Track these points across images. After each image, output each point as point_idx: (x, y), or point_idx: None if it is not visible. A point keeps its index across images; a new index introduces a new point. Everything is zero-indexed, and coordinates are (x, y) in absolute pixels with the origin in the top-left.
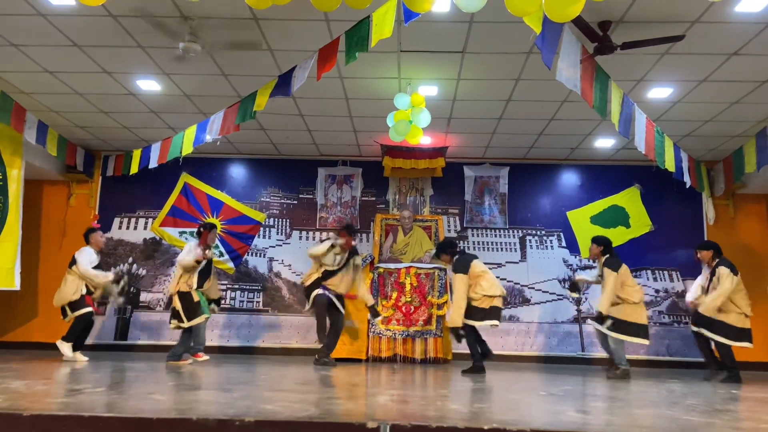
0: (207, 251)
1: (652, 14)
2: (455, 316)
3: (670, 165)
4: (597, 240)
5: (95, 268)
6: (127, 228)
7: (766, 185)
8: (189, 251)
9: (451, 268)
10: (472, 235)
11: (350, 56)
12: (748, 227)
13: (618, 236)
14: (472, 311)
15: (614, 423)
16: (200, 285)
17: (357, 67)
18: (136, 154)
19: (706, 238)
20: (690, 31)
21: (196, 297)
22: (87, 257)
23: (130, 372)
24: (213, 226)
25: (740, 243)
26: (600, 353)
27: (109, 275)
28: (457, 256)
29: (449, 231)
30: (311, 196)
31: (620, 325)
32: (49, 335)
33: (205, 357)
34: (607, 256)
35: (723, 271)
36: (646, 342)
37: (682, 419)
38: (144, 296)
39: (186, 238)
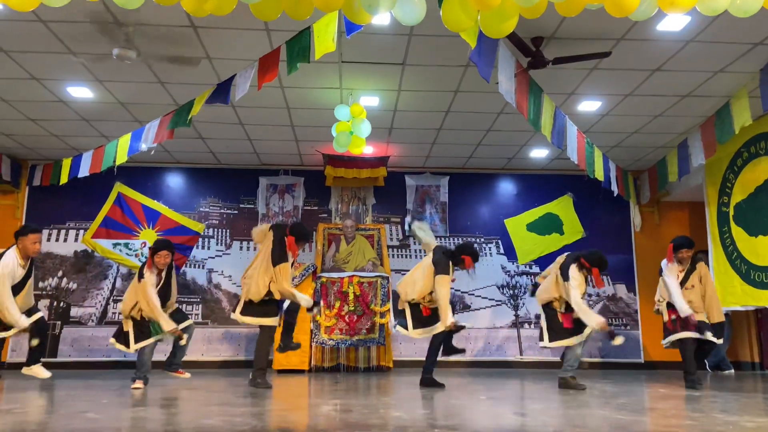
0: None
1: (581, 31)
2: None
3: (599, 174)
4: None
5: (17, 286)
6: (57, 240)
7: (688, 193)
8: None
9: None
10: (414, 244)
11: (292, 67)
12: (672, 233)
13: (552, 243)
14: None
15: (550, 424)
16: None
17: (298, 77)
18: (66, 163)
19: (633, 244)
20: (616, 47)
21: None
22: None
23: (60, 390)
24: (159, 248)
25: (665, 248)
26: (538, 356)
27: (24, 322)
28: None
29: (391, 240)
30: (252, 206)
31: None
32: None
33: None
34: None
35: (706, 270)
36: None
37: (612, 418)
38: (75, 311)
39: (120, 250)
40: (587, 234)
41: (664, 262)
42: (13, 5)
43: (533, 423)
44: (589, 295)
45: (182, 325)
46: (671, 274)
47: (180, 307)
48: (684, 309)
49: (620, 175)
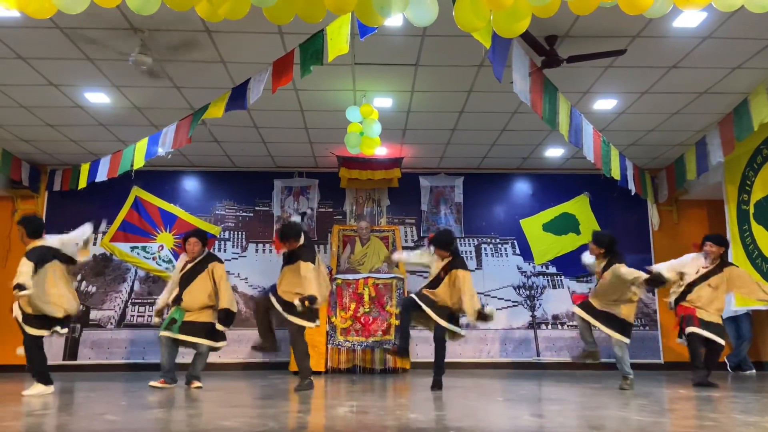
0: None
1: (595, 29)
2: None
3: (615, 173)
4: (598, 240)
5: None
6: None
7: (706, 191)
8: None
9: (449, 262)
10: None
11: (305, 69)
12: (691, 232)
13: (569, 242)
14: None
15: (567, 425)
16: (178, 299)
17: (312, 80)
18: (84, 168)
19: (652, 244)
20: (632, 45)
21: (174, 315)
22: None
23: (80, 393)
24: (187, 235)
25: (684, 247)
26: (554, 357)
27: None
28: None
29: (406, 241)
30: (267, 209)
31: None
32: None
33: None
34: (610, 257)
35: (741, 272)
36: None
37: (632, 419)
38: (94, 314)
39: (137, 254)
40: None
41: (689, 255)
42: (30, 13)
43: (551, 425)
44: None
45: (188, 338)
46: (686, 260)
47: (206, 325)
48: (654, 267)
49: (637, 173)
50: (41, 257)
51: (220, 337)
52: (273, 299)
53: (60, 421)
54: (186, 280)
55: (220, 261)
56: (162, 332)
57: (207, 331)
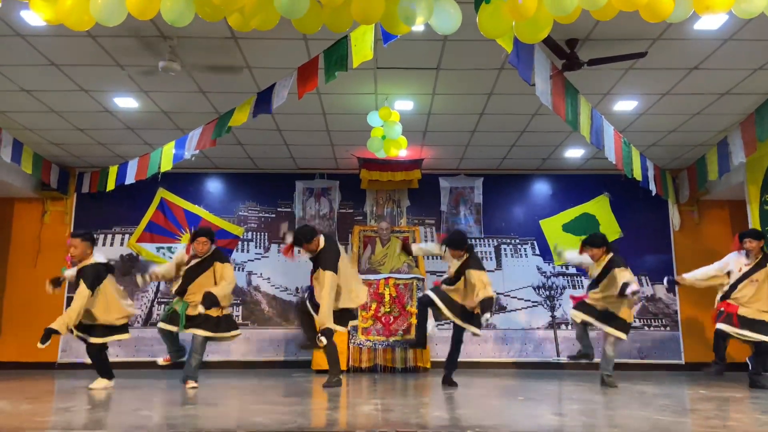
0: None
1: (616, 32)
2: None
3: (637, 174)
4: (593, 242)
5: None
6: (104, 245)
7: (728, 192)
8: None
9: (463, 263)
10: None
11: (330, 75)
12: (712, 232)
13: None
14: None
15: (589, 424)
16: (181, 291)
17: (334, 83)
18: (113, 171)
19: (672, 244)
20: (652, 47)
21: (176, 305)
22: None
23: (113, 389)
24: (197, 234)
25: (705, 248)
26: None
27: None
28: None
29: (426, 241)
30: (289, 210)
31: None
32: (14, 354)
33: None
34: (611, 255)
35: None
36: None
37: (653, 419)
38: None
39: (163, 254)
40: (624, 234)
41: (731, 254)
42: (69, 25)
43: (572, 423)
44: None
45: (192, 330)
46: (729, 260)
47: (206, 315)
48: (688, 277)
49: (658, 174)
50: (97, 279)
51: (221, 329)
52: (309, 307)
53: (97, 416)
54: (191, 274)
55: (228, 261)
56: (162, 325)
57: (209, 323)
